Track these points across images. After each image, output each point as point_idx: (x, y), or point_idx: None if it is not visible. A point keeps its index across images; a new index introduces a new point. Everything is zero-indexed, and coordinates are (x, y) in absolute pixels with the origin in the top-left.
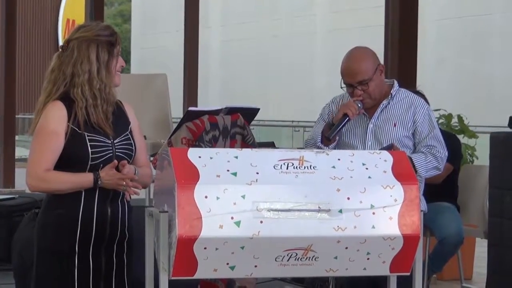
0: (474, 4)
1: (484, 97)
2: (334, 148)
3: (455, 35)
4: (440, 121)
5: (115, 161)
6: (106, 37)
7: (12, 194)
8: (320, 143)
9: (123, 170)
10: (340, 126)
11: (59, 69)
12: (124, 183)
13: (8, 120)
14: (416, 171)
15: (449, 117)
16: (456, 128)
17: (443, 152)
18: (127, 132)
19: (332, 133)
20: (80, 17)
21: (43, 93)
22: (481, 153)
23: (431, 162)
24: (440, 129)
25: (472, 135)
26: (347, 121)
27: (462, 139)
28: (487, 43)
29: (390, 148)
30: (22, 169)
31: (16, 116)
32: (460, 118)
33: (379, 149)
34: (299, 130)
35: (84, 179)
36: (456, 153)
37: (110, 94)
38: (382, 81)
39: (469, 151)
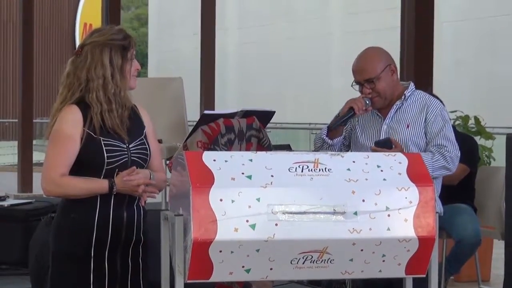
0: (491, 5)
1: (501, 98)
2: (348, 149)
3: (472, 36)
4: (457, 122)
5: (134, 167)
6: (119, 41)
7: (29, 198)
8: (325, 136)
9: (135, 176)
10: (344, 119)
11: (74, 75)
12: (139, 189)
13: (26, 124)
14: None
15: (466, 118)
16: (473, 130)
17: (453, 152)
18: (142, 137)
19: (335, 124)
20: (97, 21)
21: (59, 98)
22: (498, 154)
23: (438, 161)
24: (456, 130)
25: (489, 136)
26: (352, 115)
27: (479, 140)
28: (504, 44)
29: (387, 141)
30: (40, 174)
31: (34, 120)
32: (476, 119)
33: (375, 141)
34: (316, 133)
35: (99, 185)
36: (472, 155)
37: (125, 98)
38: (394, 81)
39: (486, 153)
